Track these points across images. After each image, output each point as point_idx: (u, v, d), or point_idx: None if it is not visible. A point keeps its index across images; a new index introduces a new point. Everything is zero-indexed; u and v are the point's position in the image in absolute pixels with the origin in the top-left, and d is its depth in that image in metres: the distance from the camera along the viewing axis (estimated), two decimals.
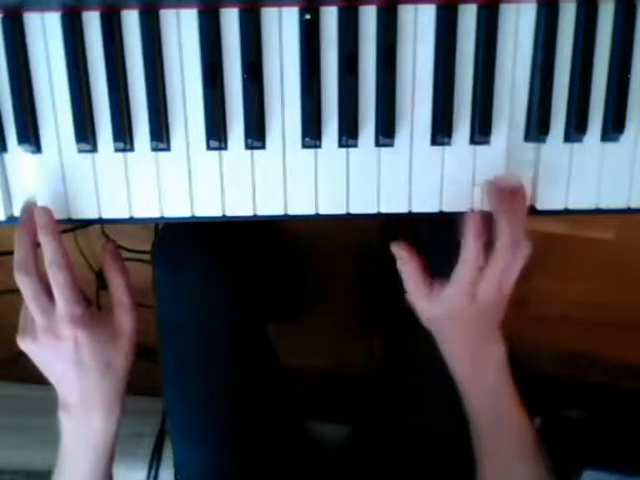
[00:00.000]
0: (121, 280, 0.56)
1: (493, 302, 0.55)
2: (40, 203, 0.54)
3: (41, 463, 0.92)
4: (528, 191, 0.55)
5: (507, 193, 0.54)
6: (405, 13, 0.52)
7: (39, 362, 0.55)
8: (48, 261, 0.52)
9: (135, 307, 0.56)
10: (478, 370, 0.58)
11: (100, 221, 0.55)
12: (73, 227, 0.67)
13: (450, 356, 0.59)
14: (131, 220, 0.55)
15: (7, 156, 0.54)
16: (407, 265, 0.57)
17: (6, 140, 0.54)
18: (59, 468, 0.57)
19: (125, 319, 0.56)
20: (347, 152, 0.54)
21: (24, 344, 0.54)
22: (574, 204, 0.56)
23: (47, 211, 0.53)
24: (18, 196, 0.55)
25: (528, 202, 0.55)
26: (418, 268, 0.56)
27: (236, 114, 0.53)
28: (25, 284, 0.51)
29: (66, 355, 0.53)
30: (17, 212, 0.55)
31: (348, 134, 0.53)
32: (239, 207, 0.55)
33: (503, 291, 0.54)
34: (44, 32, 0.52)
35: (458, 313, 0.56)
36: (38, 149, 0.54)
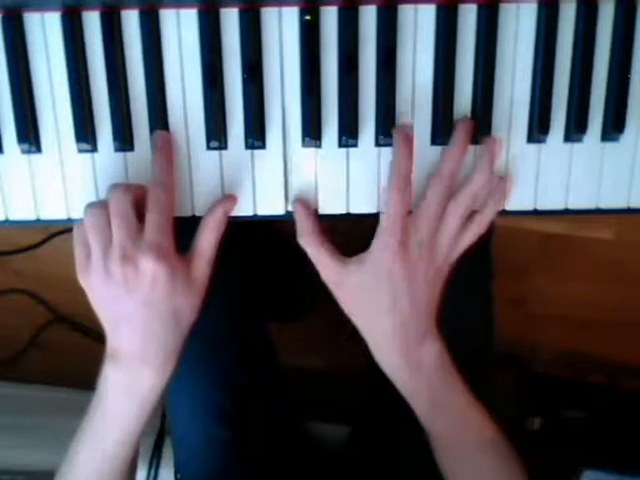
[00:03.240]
0: (214, 236, 0.52)
1: (425, 270, 0.51)
2: (40, 202, 0.54)
3: (41, 463, 0.92)
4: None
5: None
6: (405, 13, 0.52)
7: (101, 298, 0.51)
8: (155, 181, 0.50)
9: (214, 263, 0.53)
10: (416, 375, 0.54)
11: None
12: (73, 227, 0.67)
13: (382, 359, 0.54)
14: None
15: (6, 156, 0.54)
16: (301, 225, 0.53)
17: (5, 140, 0.54)
18: (89, 426, 0.53)
19: (204, 270, 0.52)
20: (347, 152, 0.54)
21: (87, 276, 0.50)
22: (574, 204, 0.56)
23: (168, 137, 0.52)
24: (16, 197, 0.55)
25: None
26: (317, 229, 0.53)
27: (236, 114, 0.53)
28: (118, 197, 0.49)
29: (139, 292, 0.49)
30: (14, 213, 0.55)
31: (348, 134, 0.53)
32: (239, 207, 0.55)
33: (436, 253, 0.51)
34: (44, 32, 0.52)
35: (385, 281, 0.51)
36: (38, 149, 0.54)
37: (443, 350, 0.54)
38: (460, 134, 0.52)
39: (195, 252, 0.52)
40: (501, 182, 0.54)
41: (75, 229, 0.52)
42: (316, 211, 0.54)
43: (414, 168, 0.53)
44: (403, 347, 0.53)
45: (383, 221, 0.52)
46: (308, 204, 0.54)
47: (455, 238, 0.52)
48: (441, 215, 0.52)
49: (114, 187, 0.50)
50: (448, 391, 0.55)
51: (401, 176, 0.51)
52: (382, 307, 0.53)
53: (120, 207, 0.49)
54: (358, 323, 0.55)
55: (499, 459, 0.56)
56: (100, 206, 0.50)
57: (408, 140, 0.52)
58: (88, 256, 0.50)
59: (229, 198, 0.54)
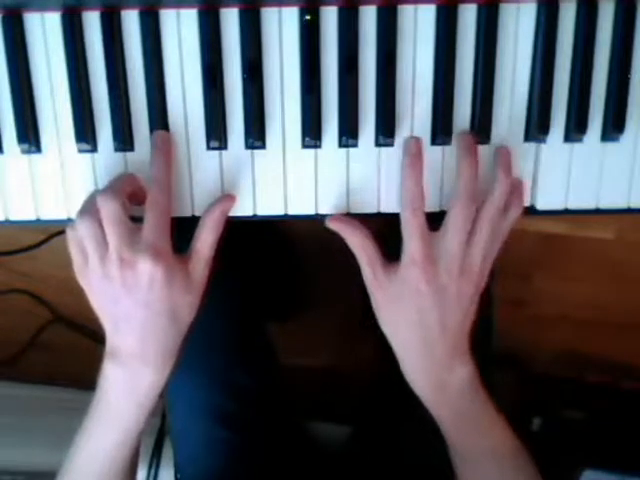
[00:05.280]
0: (212, 236, 0.52)
1: (457, 289, 0.51)
2: (40, 202, 0.55)
3: (41, 463, 0.92)
4: (527, 189, 0.55)
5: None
6: (405, 13, 0.52)
7: (100, 298, 0.51)
8: (153, 181, 0.50)
9: (211, 263, 0.53)
10: (440, 394, 0.53)
11: None
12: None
13: (407, 373, 0.54)
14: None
15: (6, 156, 0.54)
16: (354, 237, 0.52)
17: (5, 140, 0.54)
18: (90, 425, 0.54)
19: (202, 270, 0.52)
20: (347, 152, 0.54)
21: (85, 278, 0.51)
22: (574, 204, 0.56)
23: (167, 136, 0.53)
24: (16, 197, 0.55)
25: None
26: (369, 240, 0.52)
27: (236, 114, 0.54)
28: (109, 205, 0.48)
29: (138, 292, 0.49)
30: (14, 213, 0.55)
31: (348, 134, 0.53)
32: (239, 207, 0.55)
33: (470, 272, 0.50)
34: (44, 32, 0.52)
35: (411, 298, 0.51)
36: (38, 149, 0.54)
37: (473, 374, 0.53)
38: (463, 150, 0.52)
39: (193, 252, 0.52)
40: (517, 186, 0.54)
41: (69, 233, 0.51)
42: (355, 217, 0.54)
43: None
44: (429, 366, 0.53)
45: (405, 237, 0.51)
46: (340, 217, 0.54)
47: (484, 255, 0.51)
48: (468, 231, 0.51)
49: (102, 195, 0.49)
50: (474, 411, 0.54)
51: (412, 191, 0.51)
52: (409, 321, 0.52)
53: (111, 214, 0.49)
54: (387, 333, 0.54)
55: (517, 469, 0.56)
56: (91, 214, 0.49)
57: (417, 154, 0.52)
58: (85, 260, 0.50)
59: (227, 198, 0.54)
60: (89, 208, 0.50)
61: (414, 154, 0.52)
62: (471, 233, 0.51)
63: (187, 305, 0.52)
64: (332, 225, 0.54)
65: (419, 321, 0.52)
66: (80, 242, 0.50)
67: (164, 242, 0.50)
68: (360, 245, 0.53)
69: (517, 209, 0.53)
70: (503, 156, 0.53)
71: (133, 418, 0.53)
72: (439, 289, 0.51)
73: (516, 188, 0.54)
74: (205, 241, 0.52)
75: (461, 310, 0.52)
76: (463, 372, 0.53)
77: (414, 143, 0.53)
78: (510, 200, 0.53)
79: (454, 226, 0.51)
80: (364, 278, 0.54)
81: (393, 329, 0.54)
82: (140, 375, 0.52)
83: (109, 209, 0.49)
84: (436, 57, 0.53)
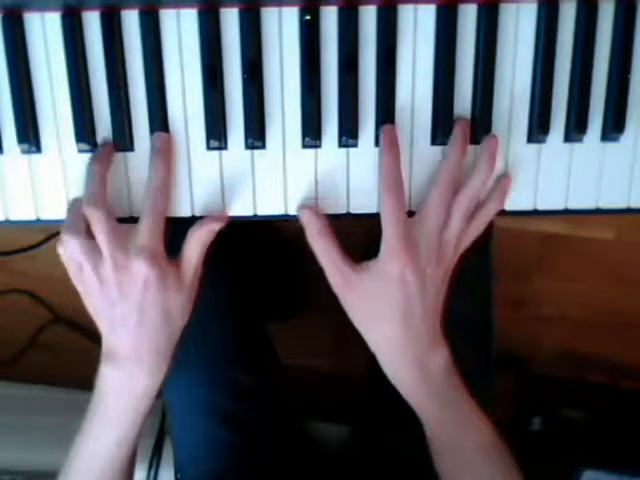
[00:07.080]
0: (198, 250, 0.52)
1: (432, 274, 0.51)
2: (40, 202, 0.54)
3: (41, 463, 0.92)
4: (527, 189, 0.55)
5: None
6: (405, 13, 0.52)
7: (95, 302, 0.52)
8: (152, 183, 0.51)
9: (201, 269, 0.53)
10: (424, 385, 0.53)
11: None
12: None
13: (389, 370, 0.54)
14: (131, 220, 0.55)
15: (6, 156, 0.54)
16: (316, 240, 0.52)
17: (5, 140, 0.54)
18: (89, 426, 0.54)
19: (192, 275, 0.53)
20: (347, 152, 0.54)
21: (82, 284, 0.52)
22: (574, 204, 0.56)
23: (167, 138, 0.53)
24: (16, 197, 0.55)
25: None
26: (331, 242, 0.52)
27: (236, 114, 0.53)
28: (96, 217, 0.49)
29: (132, 295, 0.50)
30: (14, 213, 0.55)
31: (348, 134, 0.53)
32: (239, 207, 0.55)
33: (443, 257, 0.51)
34: (44, 32, 0.52)
35: (394, 289, 0.50)
36: (38, 149, 0.54)
37: (449, 356, 0.54)
38: (458, 135, 0.52)
39: (183, 258, 0.52)
40: (501, 181, 0.54)
41: (59, 250, 0.52)
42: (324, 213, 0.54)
43: (415, 168, 0.54)
44: (414, 359, 0.53)
45: (384, 226, 0.51)
46: (313, 207, 0.54)
47: (457, 239, 0.52)
48: (445, 217, 0.51)
49: (87, 204, 0.50)
50: (454, 399, 0.54)
51: (390, 177, 0.51)
52: (393, 318, 0.52)
53: (100, 223, 0.49)
54: (364, 333, 0.54)
55: (498, 465, 0.56)
56: (76, 227, 0.50)
57: (393, 140, 0.52)
58: (80, 267, 0.51)
59: (221, 216, 0.54)
60: (72, 221, 0.51)
61: (393, 155, 0.52)
62: (445, 219, 0.51)
63: (180, 307, 0.53)
64: (302, 213, 0.53)
65: (403, 311, 0.51)
66: (72, 252, 0.51)
67: (158, 244, 0.50)
68: (323, 250, 0.52)
69: (496, 204, 0.53)
70: (489, 144, 0.53)
71: (130, 419, 0.53)
72: (422, 275, 0.51)
73: (501, 184, 0.54)
74: (193, 250, 0.52)
75: (435, 293, 0.52)
76: (441, 357, 0.53)
77: (388, 141, 0.52)
78: (491, 194, 0.54)
79: (431, 211, 0.51)
80: (330, 282, 0.53)
81: (372, 327, 0.53)
82: (135, 377, 0.52)
83: (98, 219, 0.49)
84: (436, 57, 0.53)
